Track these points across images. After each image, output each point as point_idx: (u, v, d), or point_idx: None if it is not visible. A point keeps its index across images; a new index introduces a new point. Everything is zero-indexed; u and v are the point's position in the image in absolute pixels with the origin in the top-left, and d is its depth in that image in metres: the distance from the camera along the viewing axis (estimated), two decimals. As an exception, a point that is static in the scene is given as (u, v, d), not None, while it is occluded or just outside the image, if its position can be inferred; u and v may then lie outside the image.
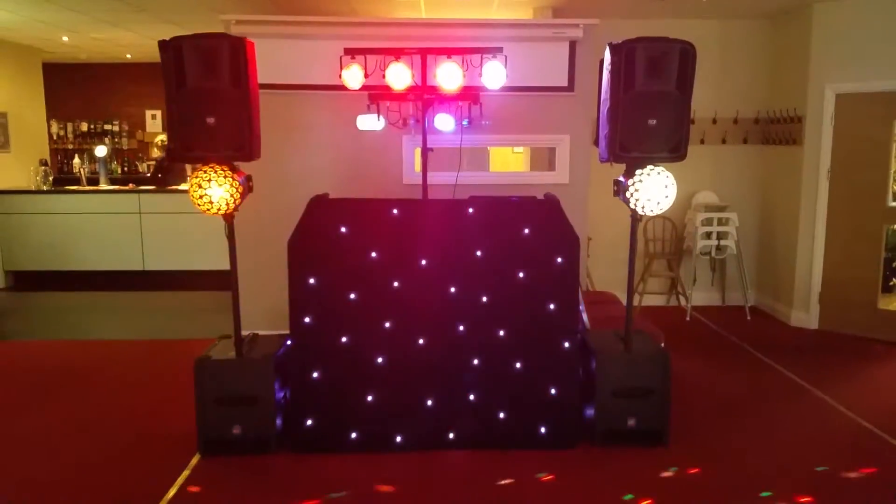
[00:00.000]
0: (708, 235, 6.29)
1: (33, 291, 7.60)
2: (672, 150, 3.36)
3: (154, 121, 10.17)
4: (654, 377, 3.64)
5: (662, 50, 3.27)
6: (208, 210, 3.33)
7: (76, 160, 9.77)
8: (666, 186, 3.37)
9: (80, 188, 8.19)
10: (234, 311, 3.63)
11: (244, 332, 3.75)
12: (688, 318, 6.33)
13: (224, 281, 7.16)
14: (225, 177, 3.29)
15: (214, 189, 3.27)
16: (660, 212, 3.46)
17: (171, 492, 3.17)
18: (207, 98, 3.18)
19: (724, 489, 3.22)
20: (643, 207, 3.43)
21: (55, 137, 10.01)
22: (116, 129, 10.24)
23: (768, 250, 6.60)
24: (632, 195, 3.42)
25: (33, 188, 8.07)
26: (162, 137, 8.84)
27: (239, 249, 3.74)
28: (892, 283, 6.40)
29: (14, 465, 3.49)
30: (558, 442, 3.63)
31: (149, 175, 9.02)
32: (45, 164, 8.50)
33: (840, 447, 3.67)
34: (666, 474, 3.36)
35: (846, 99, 5.67)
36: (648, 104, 3.31)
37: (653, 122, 3.31)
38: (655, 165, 3.41)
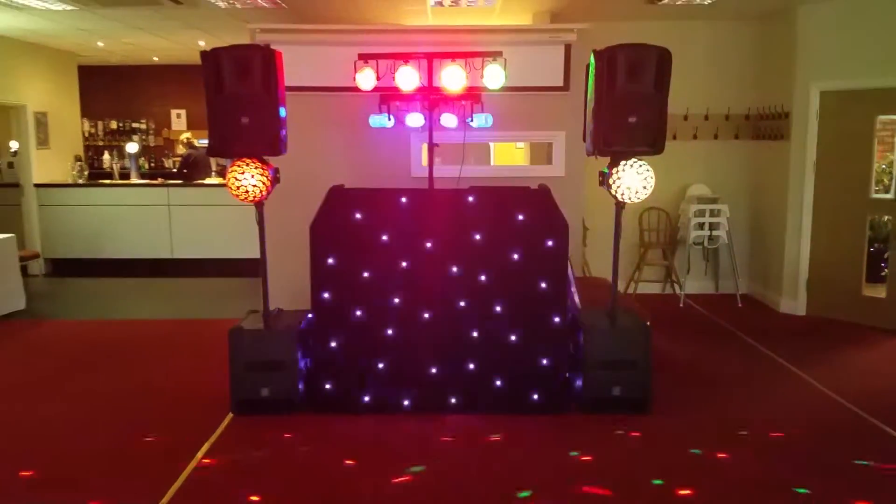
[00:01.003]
0: (700, 226, 6.67)
1: (69, 277, 8.15)
2: (650, 145, 3.78)
3: (179, 119, 10.70)
4: (636, 350, 4.05)
5: (641, 55, 3.69)
6: (243, 198, 3.80)
7: (105, 156, 10.33)
8: (643, 176, 3.79)
9: (114, 182, 8.75)
10: (262, 288, 4.10)
11: (271, 307, 4.22)
12: (681, 305, 6.72)
13: (246, 268, 7.71)
14: (257, 169, 3.76)
15: (248, 180, 3.74)
16: (640, 200, 3.88)
17: (208, 444, 3.65)
18: (242, 101, 3.67)
19: (705, 447, 3.64)
20: (625, 196, 3.85)
21: (86, 135, 10.56)
22: (144, 126, 10.79)
23: (758, 240, 6.97)
24: (614, 185, 3.85)
25: (70, 182, 8.63)
26: (187, 135, 9.34)
27: (266, 233, 4.20)
28: (883, 274, 6.73)
29: (67, 423, 3.99)
30: (549, 407, 4.05)
31: (175, 170, 9.54)
32: (80, 159, 9.06)
33: (811, 416, 4.06)
34: (650, 434, 3.78)
35: (830, 96, 6.03)
36: (629, 103, 3.73)
37: (633, 119, 3.73)
38: (636, 158, 3.83)
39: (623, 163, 3.82)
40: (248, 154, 3.80)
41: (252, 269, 7.27)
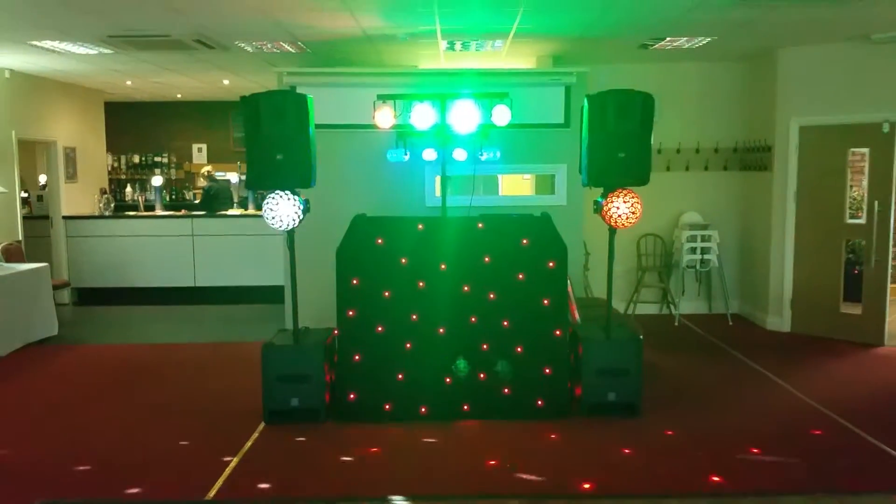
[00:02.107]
0: (693, 251, 7.13)
1: (96, 305, 8.55)
2: (637, 177, 4.27)
3: (200, 153, 11.23)
4: (629, 359, 4.50)
5: (627, 99, 4.20)
6: (277, 226, 4.28)
7: (128, 189, 10.85)
8: (631, 204, 4.27)
9: (139, 213, 9.23)
10: (292, 306, 4.56)
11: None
12: (676, 324, 7.15)
13: (266, 295, 8.13)
14: (290, 200, 4.24)
15: (282, 210, 4.22)
16: (630, 226, 4.35)
17: (245, 448, 4.07)
18: (277, 140, 4.16)
19: (689, 444, 4.08)
20: (616, 222, 4.33)
21: (110, 169, 11.07)
22: (166, 160, 11.33)
23: (747, 263, 7.43)
24: (607, 212, 4.33)
25: (97, 214, 9.12)
26: (208, 168, 9.86)
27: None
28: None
29: (106, 433, 4.41)
30: (552, 413, 4.46)
31: (197, 202, 10.04)
32: (106, 192, 9.57)
33: (785, 418, 4.50)
34: (642, 435, 4.21)
35: (808, 131, 6.55)
36: (618, 141, 4.23)
37: (622, 155, 4.22)
38: (625, 189, 4.32)
39: (614, 193, 4.30)
40: (281, 187, 4.29)
41: (271, 295, 7.69)
